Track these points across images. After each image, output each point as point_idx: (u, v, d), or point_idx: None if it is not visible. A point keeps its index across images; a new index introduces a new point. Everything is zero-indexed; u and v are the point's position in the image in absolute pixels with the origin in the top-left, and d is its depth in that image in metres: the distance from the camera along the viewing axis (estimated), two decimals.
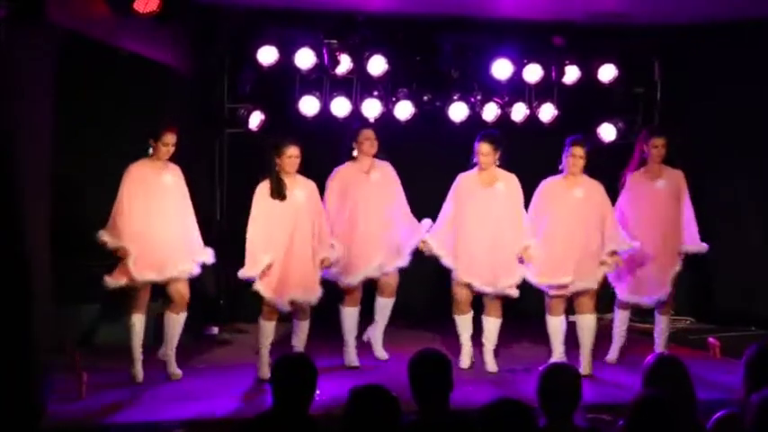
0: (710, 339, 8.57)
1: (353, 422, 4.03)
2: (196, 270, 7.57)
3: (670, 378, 4.42)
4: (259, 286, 7.48)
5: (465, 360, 7.95)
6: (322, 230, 7.72)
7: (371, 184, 8.02)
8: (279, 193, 7.54)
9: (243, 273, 7.52)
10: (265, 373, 7.44)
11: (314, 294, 7.62)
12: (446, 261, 7.88)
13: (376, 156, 8.07)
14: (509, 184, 7.90)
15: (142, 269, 7.34)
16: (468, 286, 7.84)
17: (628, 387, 6.87)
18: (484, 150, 7.78)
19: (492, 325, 7.90)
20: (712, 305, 9.96)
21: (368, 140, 7.98)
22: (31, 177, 6.13)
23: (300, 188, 7.65)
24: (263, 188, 7.60)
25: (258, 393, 7.13)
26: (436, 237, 7.91)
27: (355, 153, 8.04)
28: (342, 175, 8.02)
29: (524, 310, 8.47)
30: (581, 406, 4.26)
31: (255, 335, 7.77)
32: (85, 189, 8.92)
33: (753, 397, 3.83)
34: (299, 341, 7.68)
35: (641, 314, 10.09)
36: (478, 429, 3.91)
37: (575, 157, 7.76)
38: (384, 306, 8.21)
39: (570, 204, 7.79)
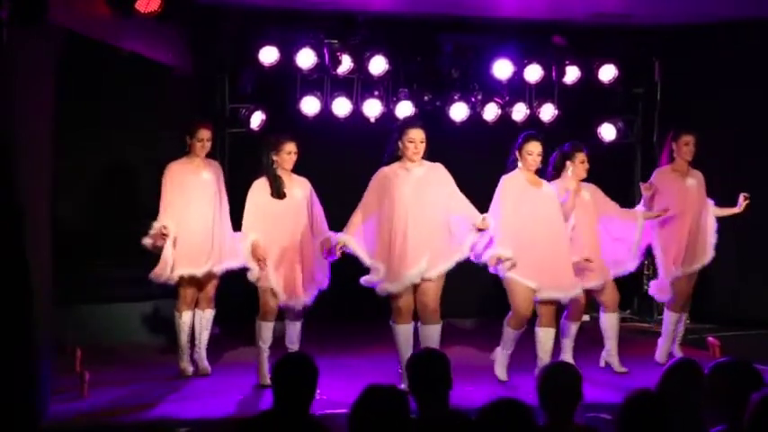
0: (710, 339, 8.57)
1: (363, 419, 3.99)
2: (235, 265, 7.51)
3: (686, 381, 4.39)
4: (272, 284, 7.25)
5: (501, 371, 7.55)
6: (323, 225, 7.46)
7: (414, 181, 7.12)
8: (278, 191, 7.33)
9: (251, 274, 7.34)
10: (265, 377, 7.31)
11: (312, 294, 7.42)
12: (512, 274, 7.21)
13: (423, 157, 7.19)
14: (549, 185, 7.53)
15: (180, 265, 7.42)
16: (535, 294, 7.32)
17: (628, 387, 6.86)
18: (538, 150, 7.34)
19: (550, 335, 7.43)
20: (708, 305, 9.95)
21: (412, 143, 7.08)
22: (31, 177, 6.12)
23: (298, 187, 7.46)
24: (260, 186, 7.39)
25: (258, 395, 7.13)
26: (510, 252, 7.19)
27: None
28: (384, 174, 7.19)
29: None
30: (581, 405, 4.26)
31: (256, 335, 7.62)
32: (85, 189, 8.93)
33: (753, 396, 3.83)
34: (293, 341, 7.51)
35: (641, 313, 10.12)
36: (478, 429, 3.90)
37: (584, 163, 7.70)
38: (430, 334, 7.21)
39: (584, 207, 7.71)
